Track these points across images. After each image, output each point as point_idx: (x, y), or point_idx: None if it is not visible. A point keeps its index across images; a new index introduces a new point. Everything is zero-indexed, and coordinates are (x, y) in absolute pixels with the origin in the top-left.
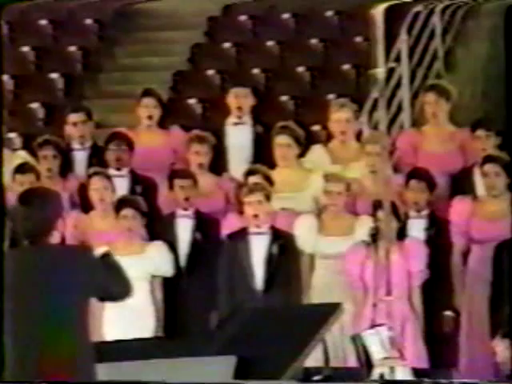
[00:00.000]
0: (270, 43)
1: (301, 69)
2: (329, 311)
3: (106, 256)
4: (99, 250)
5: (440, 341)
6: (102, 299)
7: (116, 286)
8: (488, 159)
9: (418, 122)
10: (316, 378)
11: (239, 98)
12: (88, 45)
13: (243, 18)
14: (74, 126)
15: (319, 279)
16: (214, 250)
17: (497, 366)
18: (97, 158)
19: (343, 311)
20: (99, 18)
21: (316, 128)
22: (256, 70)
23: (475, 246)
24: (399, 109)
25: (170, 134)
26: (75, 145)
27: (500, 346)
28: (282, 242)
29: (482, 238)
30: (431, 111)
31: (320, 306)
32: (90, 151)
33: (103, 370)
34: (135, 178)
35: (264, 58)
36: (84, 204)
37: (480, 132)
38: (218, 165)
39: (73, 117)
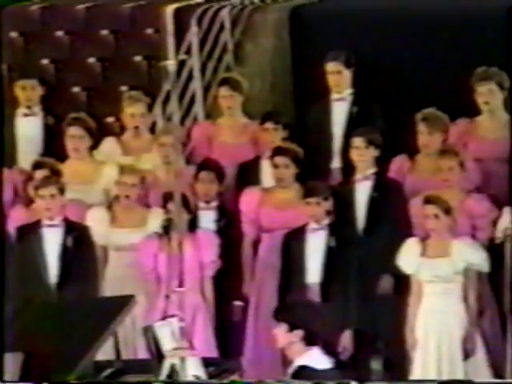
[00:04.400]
0: (59, 33)
1: (92, 60)
2: (121, 304)
3: None
4: None
5: (229, 330)
6: None
7: None
8: (278, 151)
9: (211, 114)
10: (107, 371)
11: (27, 90)
12: None
13: (33, 7)
14: None
15: (112, 271)
16: (3, 243)
17: (282, 353)
18: None
19: (136, 303)
20: None
21: (109, 120)
22: (45, 61)
23: (265, 234)
24: (192, 101)
25: None
26: None
27: (280, 332)
28: (77, 234)
29: (271, 227)
30: (225, 104)
31: (112, 298)
32: None
33: None
34: None
35: (53, 48)
36: None
37: (268, 124)
38: (7, 157)
39: None
